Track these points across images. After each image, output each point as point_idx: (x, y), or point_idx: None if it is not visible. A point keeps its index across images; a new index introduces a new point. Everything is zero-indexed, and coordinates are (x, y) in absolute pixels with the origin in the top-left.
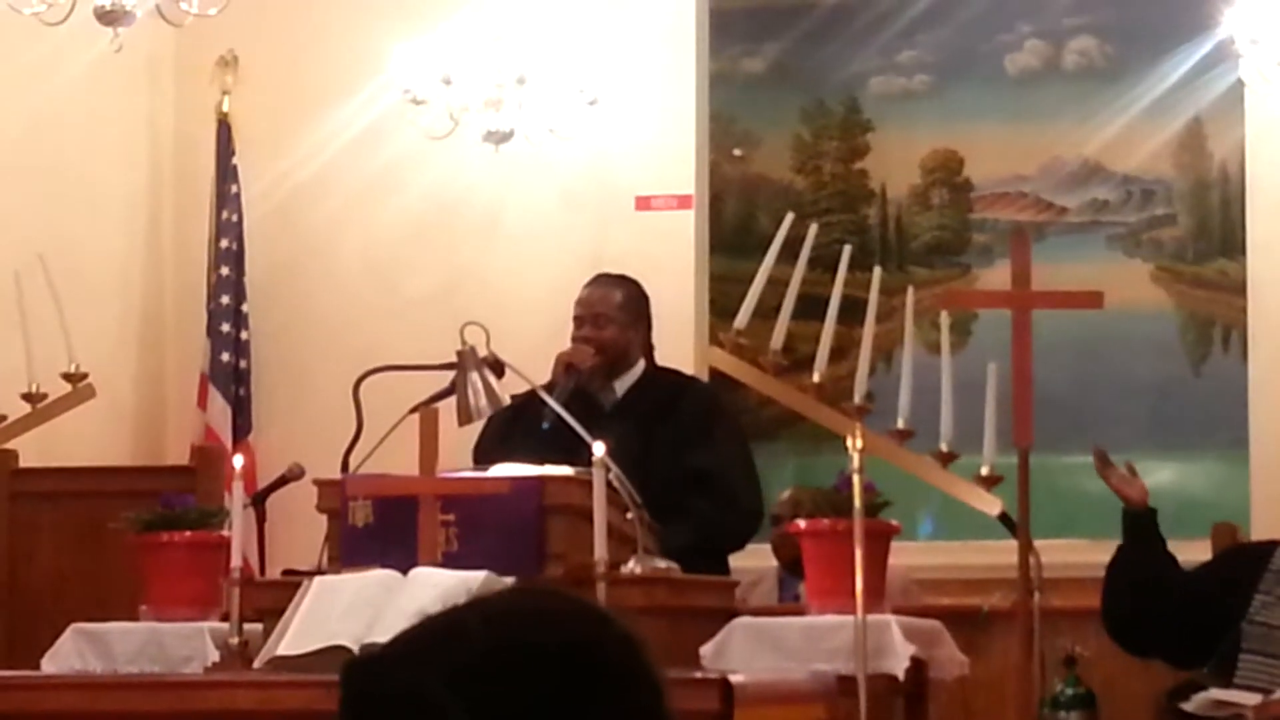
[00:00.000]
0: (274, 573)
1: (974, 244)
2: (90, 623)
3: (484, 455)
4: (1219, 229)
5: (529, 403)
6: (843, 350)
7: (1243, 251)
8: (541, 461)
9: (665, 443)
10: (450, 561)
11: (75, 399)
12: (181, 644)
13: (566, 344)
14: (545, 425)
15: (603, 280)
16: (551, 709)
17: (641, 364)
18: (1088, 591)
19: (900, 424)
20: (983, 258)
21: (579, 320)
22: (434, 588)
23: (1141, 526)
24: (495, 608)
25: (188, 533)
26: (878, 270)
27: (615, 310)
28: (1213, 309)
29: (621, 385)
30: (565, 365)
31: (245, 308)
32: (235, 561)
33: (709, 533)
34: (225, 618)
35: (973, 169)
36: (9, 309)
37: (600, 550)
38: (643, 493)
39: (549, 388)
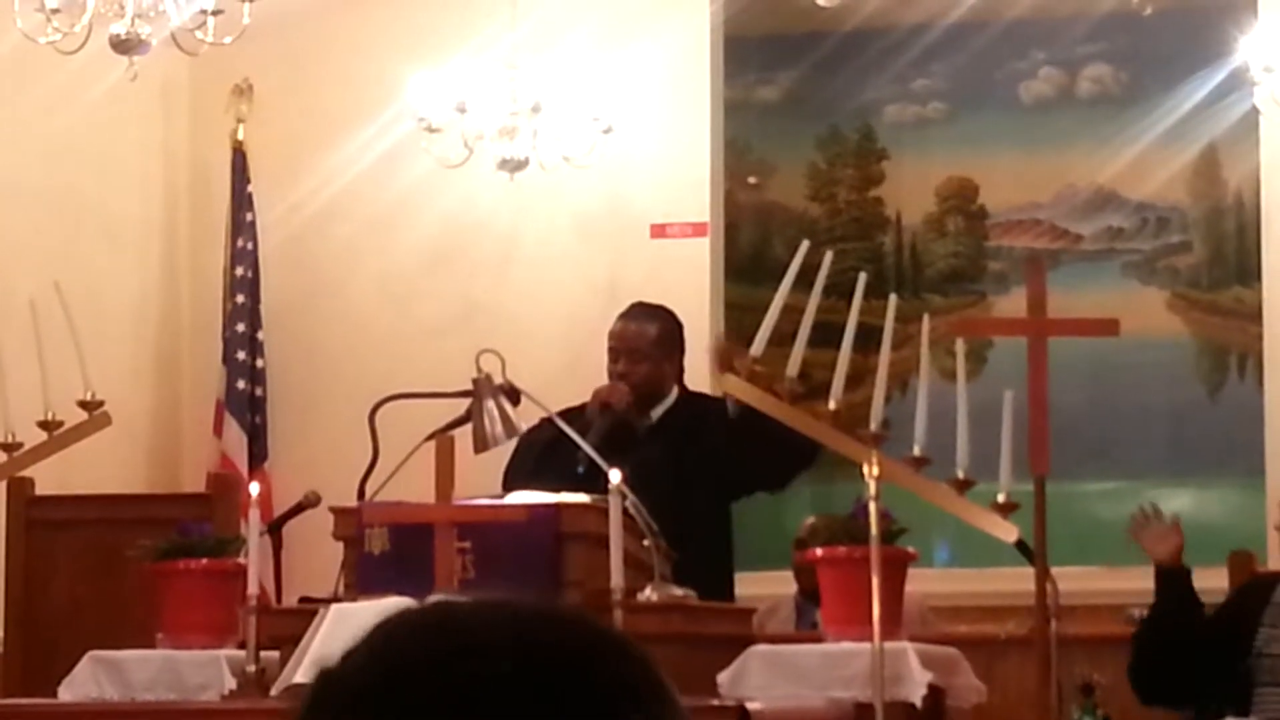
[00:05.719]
0: (291, 600)
1: (989, 271)
2: (107, 650)
3: (513, 485)
4: (1234, 256)
5: (562, 438)
6: (858, 378)
7: (1258, 278)
8: None
9: (697, 460)
10: (467, 589)
11: (91, 426)
12: (198, 672)
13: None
14: (580, 469)
15: (638, 313)
16: None
17: (675, 392)
18: (1105, 619)
19: (916, 451)
20: (998, 285)
21: (614, 353)
22: None
23: (1174, 586)
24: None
25: (204, 560)
26: (893, 298)
27: (650, 346)
28: (1228, 336)
29: (656, 413)
30: (601, 403)
31: (261, 335)
32: (252, 589)
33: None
34: (242, 645)
35: (987, 196)
36: (25, 336)
37: (617, 577)
38: (680, 515)
39: (582, 420)
